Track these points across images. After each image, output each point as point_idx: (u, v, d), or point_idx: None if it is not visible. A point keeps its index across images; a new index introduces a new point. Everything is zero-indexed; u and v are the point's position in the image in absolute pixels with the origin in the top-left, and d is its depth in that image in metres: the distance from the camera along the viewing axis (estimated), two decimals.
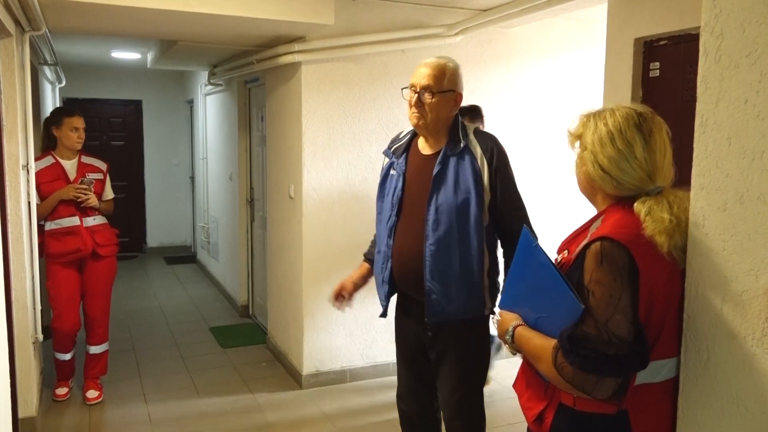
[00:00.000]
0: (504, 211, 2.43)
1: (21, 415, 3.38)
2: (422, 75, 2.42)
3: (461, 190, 2.38)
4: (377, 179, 4.29)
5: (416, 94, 2.42)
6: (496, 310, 1.76)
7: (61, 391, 4.10)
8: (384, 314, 2.66)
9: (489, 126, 4.51)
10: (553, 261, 1.53)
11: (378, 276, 2.62)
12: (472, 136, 2.46)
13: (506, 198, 2.43)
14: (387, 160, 2.64)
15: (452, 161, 2.41)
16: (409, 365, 2.67)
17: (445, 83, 2.41)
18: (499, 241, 2.53)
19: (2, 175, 3.19)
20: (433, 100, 2.40)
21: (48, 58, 5.12)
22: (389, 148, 2.65)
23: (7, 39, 3.27)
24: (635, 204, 1.47)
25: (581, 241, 1.51)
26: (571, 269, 1.48)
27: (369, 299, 4.41)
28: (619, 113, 1.51)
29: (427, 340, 2.54)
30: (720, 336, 1.37)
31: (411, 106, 2.44)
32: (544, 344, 1.48)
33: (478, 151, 2.42)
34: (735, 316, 1.34)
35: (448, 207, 2.38)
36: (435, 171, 2.41)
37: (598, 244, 1.42)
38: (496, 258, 2.51)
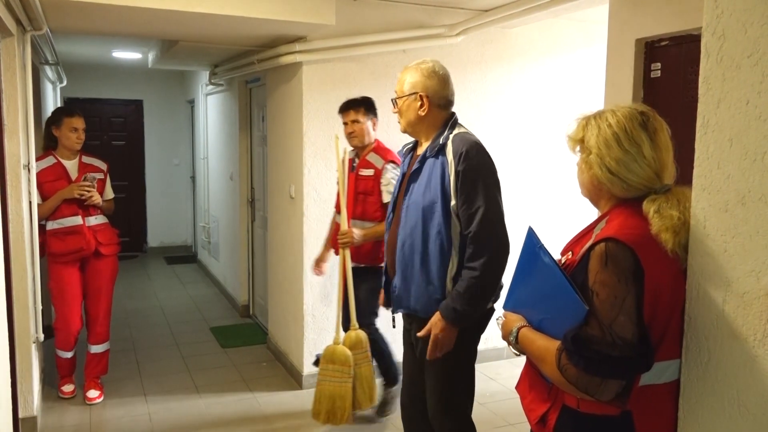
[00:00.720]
0: (463, 217, 2.33)
1: (21, 414, 3.39)
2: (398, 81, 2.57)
3: (430, 191, 2.40)
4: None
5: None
6: (501, 311, 1.76)
7: (68, 388, 4.14)
8: (386, 305, 2.76)
9: (489, 127, 4.51)
10: (557, 262, 1.53)
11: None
12: (450, 140, 2.42)
13: (465, 202, 2.32)
14: None
15: (429, 162, 2.45)
16: (408, 362, 2.72)
17: (405, 87, 2.50)
18: None
19: (3, 174, 3.19)
20: (399, 105, 2.53)
21: (49, 57, 5.12)
22: (402, 149, 2.74)
23: (9, 38, 3.28)
24: (644, 203, 1.47)
25: (585, 243, 1.50)
26: (575, 270, 1.48)
27: None
28: (621, 113, 1.50)
29: (412, 336, 2.59)
30: (721, 337, 1.37)
31: None
32: (548, 346, 1.48)
33: (450, 154, 2.38)
34: (736, 317, 1.34)
35: (416, 206, 2.44)
36: (412, 170, 2.49)
37: (602, 245, 1.41)
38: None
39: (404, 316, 2.66)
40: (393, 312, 2.64)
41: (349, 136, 3.69)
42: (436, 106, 2.47)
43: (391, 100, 2.59)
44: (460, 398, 2.52)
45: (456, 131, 2.46)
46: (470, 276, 2.30)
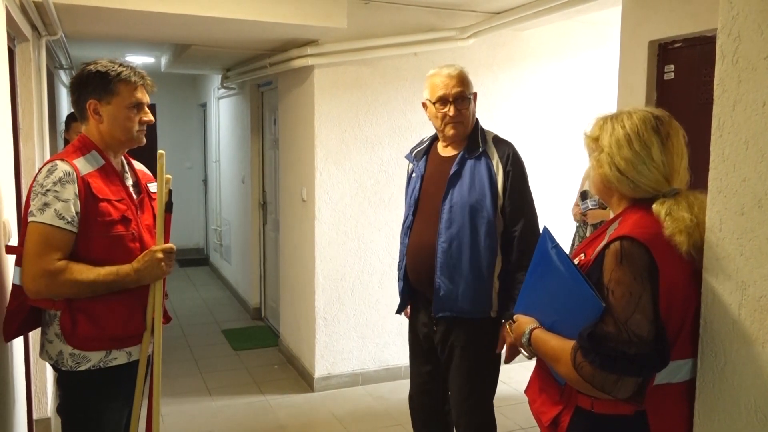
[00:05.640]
0: (510, 216, 2.46)
1: (36, 416, 3.41)
2: (451, 85, 2.45)
3: (476, 191, 2.43)
4: (389, 182, 4.35)
5: (450, 105, 2.46)
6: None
7: None
8: (399, 311, 2.74)
9: (500, 129, 4.49)
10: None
11: (398, 273, 2.70)
12: (491, 142, 2.53)
13: (514, 203, 2.45)
14: (410, 165, 2.72)
15: (469, 163, 2.48)
16: (421, 365, 2.71)
17: (472, 87, 2.52)
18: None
19: (19, 177, 3.22)
20: (471, 106, 2.51)
21: (64, 62, 5.18)
22: (411, 152, 2.72)
23: (24, 44, 3.31)
24: (654, 205, 1.47)
25: (598, 245, 1.51)
26: (590, 270, 1.48)
27: (381, 302, 4.42)
28: (636, 116, 1.51)
29: (436, 338, 2.58)
30: (737, 341, 1.36)
31: (446, 118, 2.47)
32: (562, 345, 1.48)
33: (495, 156, 2.48)
34: (753, 321, 1.33)
35: (461, 206, 2.44)
36: (452, 171, 2.48)
37: (617, 243, 1.42)
38: (509, 263, 2.52)
39: (432, 320, 2.57)
40: (435, 315, 2.51)
41: (142, 130, 2.25)
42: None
43: (451, 101, 2.45)
44: (487, 393, 2.57)
45: (489, 135, 2.55)
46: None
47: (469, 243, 2.42)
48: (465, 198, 2.44)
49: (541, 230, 2.26)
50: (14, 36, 3.14)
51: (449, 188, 2.47)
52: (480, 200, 2.42)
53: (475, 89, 2.54)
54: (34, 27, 3.37)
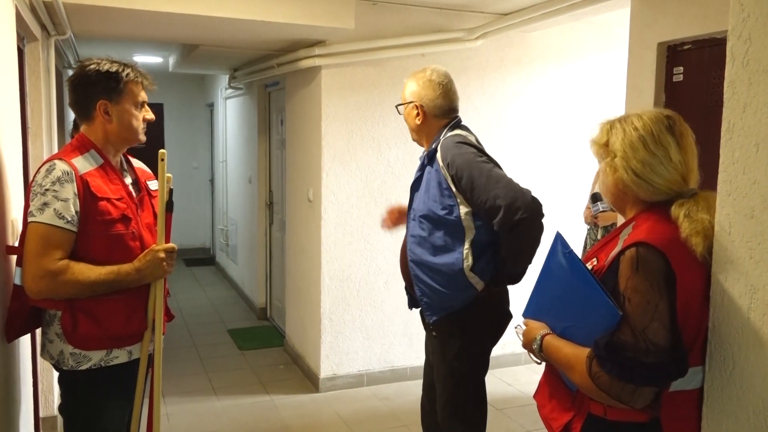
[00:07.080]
0: (481, 205, 2.31)
1: (42, 414, 3.42)
2: None
3: (429, 195, 2.45)
4: (396, 183, 4.34)
5: None
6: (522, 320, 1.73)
7: None
8: (409, 306, 2.73)
9: (509, 131, 4.49)
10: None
11: None
12: (440, 147, 2.44)
13: (476, 193, 2.31)
14: None
15: (427, 170, 2.50)
16: (426, 363, 2.75)
17: (406, 95, 2.56)
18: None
19: (27, 177, 3.24)
20: (402, 112, 2.60)
21: (72, 61, 5.20)
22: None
23: (33, 43, 3.33)
24: (672, 208, 1.45)
25: (611, 249, 1.48)
26: (604, 276, 1.45)
27: (387, 303, 4.42)
28: (647, 117, 1.49)
29: (428, 341, 2.62)
30: (746, 345, 1.35)
31: None
32: (576, 353, 1.45)
33: (440, 161, 2.42)
34: (762, 325, 1.31)
35: (419, 212, 2.48)
36: (414, 179, 2.55)
37: (633, 249, 1.39)
38: (486, 255, 2.41)
39: (427, 320, 2.57)
40: (430, 320, 2.49)
41: (144, 128, 2.10)
42: (433, 115, 2.51)
43: (395, 106, 2.65)
44: (467, 405, 2.51)
45: (445, 136, 2.46)
46: (511, 251, 2.32)
47: (431, 247, 2.43)
48: (421, 204, 2.48)
49: (524, 202, 2.22)
50: (23, 36, 3.16)
51: (411, 196, 2.55)
52: (433, 204, 2.42)
53: (412, 98, 2.52)
54: (43, 27, 3.38)
